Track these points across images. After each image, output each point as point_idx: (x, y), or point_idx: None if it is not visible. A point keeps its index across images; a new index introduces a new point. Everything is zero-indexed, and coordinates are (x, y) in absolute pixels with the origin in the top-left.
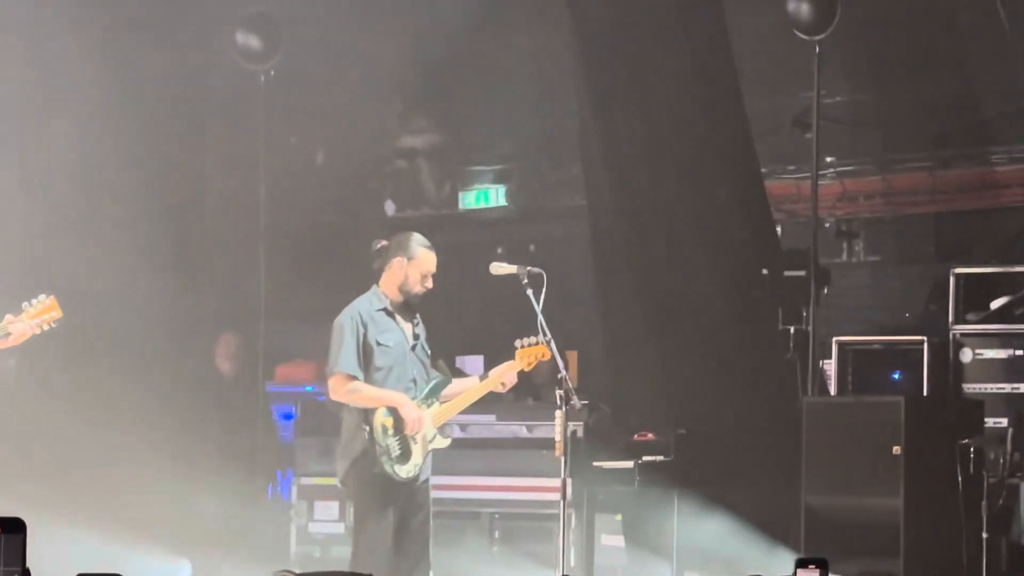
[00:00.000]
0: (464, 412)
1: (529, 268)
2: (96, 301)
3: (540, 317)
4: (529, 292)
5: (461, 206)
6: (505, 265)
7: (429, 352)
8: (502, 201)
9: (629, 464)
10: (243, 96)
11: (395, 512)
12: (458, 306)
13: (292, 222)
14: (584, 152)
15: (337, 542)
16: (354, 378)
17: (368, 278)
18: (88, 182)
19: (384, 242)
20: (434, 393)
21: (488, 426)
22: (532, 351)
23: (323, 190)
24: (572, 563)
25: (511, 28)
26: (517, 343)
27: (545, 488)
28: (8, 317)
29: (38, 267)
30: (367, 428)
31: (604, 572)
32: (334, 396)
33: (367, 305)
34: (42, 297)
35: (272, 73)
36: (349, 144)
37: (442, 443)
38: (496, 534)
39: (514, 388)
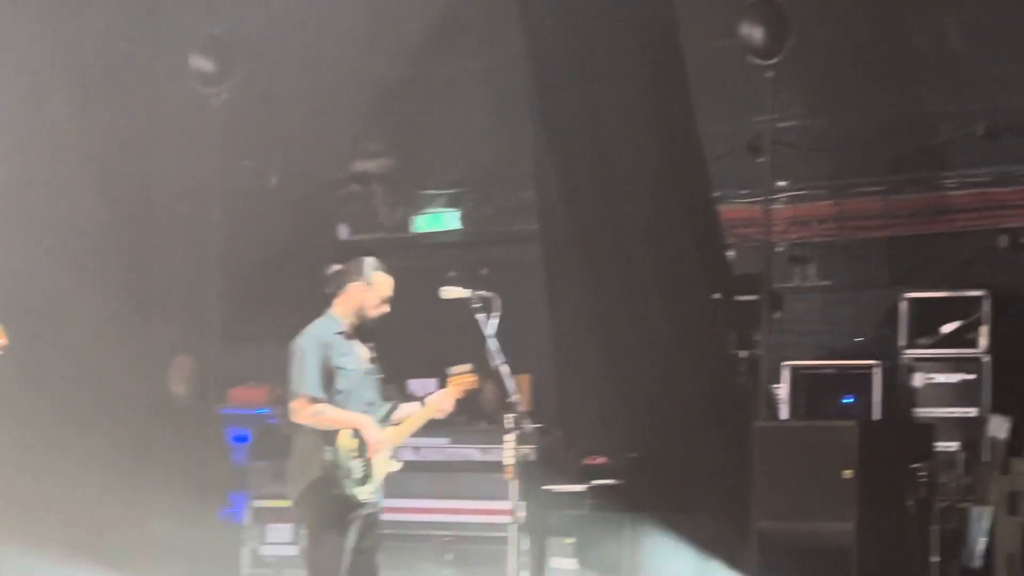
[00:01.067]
0: (417, 435)
1: (480, 292)
2: (45, 324)
3: (489, 341)
4: (478, 316)
5: (414, 230)
6: (456, 289)
7: (381, 376)
8: (455, 225)
9: (580, 487)
10: (196, 119)
11: (349, 534)
12: (410, 329)
13: (246, 245)
14: (538, 177)
15: (289, 564)
16: (317, 400)
17: (323, 302)
18: (36, 203)
19: (339, 267)
20: (388, 416)
21: (441, 449)
22: (461, 379)
23: (277, 213)
24: None
25: (464, 52)
26: (448, 371)
27: (497, 511)
28: None
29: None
30: (328, 450)
31: None
32: (297, 419)
33: (325, 329)
34: None
35: (225, 96)
36: (303, 168)
37: (395, 466)
38: (448, 556)
39: (467, 411)
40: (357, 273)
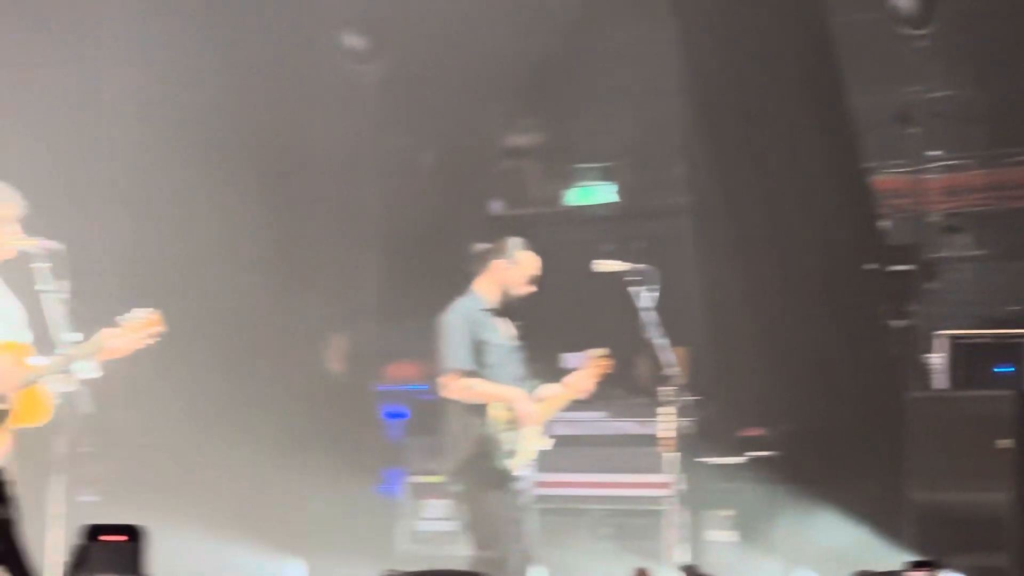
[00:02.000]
0: (574, 409)
1: (635, 265)
2: (203, 307)
3: (645, 314)
4: (633, 289)
5: (566, 203)
6: (610, 262)
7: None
8: (608, 198)
9: (738, 460)
10: (350, 97)
11: (505, 507)
12: (564, 303)
13: (401, 222)
14: (689, 151)
15: (446, 540)
16: (469, 374)
17: (468, 275)
18: (195, 186)
19: (485, 245)
20: (535, 392)
21: (598, 423)
22: (598, 362)
23: (431, 190)
24: (682, 559)
25: (616, 25)
26: (589, 353)
27: (654, 484)
28: (105, 331)
29: (143, 272)
30: (480, 423)
31: (712, 568)
32: (448, 393)
33: (470, 305)
34: (139, 312)
35: (378, 74)
36: (456, 144)
37: (546, 443)
38: (605, 530)
39: (623, 385)
40: (502, 252)
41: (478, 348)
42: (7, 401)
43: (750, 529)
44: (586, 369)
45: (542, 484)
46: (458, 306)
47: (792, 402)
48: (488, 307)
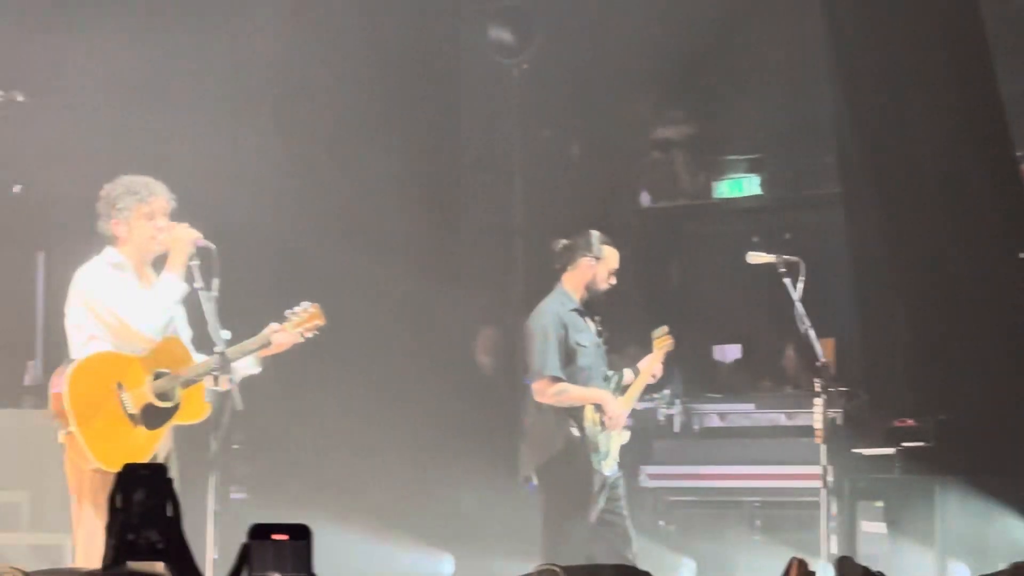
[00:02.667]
0: (723, 402)
1: (786, 257)
2: (354, 301)
3: (798, 305)
4: (786, 280)
5: (715, 196)
6: (762, 254)
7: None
8: (756, 190)
9: (889, 451)
10: (497, 90)
11: (595, 507)
12: (714, 295)
13: (548, 215)
14: (838, 140)
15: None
16: (559, 380)
17: (624, 270)
18: (344, 179)
19: (565, 241)
20: (619, 386)
21: (747, 414)
22: (662, 341)
23: (578, 182)
24: (834, 550)
25: (764, 15)
26: (653, 334)
27: (805, 476)
28: (272, 326)
29: (297, 267)
30: (573, 425)
31: (866, 559)
32: (541, 399)
33: (559, 306)
34: (305, 304)
35: (525, 67)
36: (603, 136)
37: (626, 437)
38: (757, 522)
39: (773, 376)
40: (586, 247)
41: (571, 352)
42: (174, 398)
43: (903, 520)
44: (654, 351)
45: (693, 476)
46: (547, 308)
47: (945, 392)
48: (577, 307)
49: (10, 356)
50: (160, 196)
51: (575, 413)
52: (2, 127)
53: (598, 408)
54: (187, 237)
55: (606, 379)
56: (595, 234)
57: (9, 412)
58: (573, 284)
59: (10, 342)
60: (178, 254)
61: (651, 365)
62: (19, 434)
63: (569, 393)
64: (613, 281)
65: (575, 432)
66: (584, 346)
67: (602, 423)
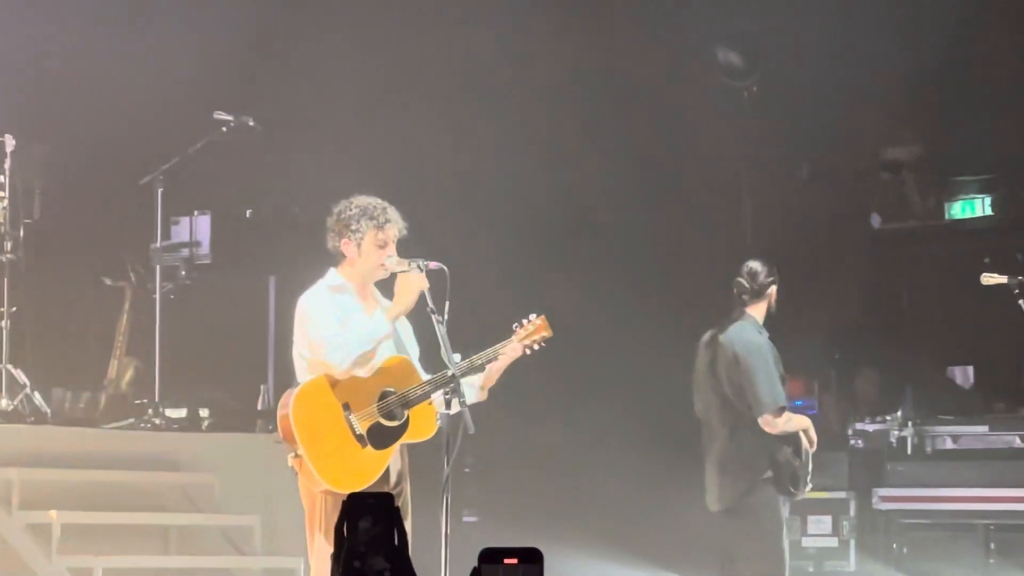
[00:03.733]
0: (956, 423)
1: (1020, 277)
2: (578, 318)
3: None
4: (1021, 302)
5: (947, 217)
6: (996, 275)
7: None
8: (988, 211)
9: None
10: (726, 113)
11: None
12: (947, 316)
13: (778, 238)
14: None
15: (830, 555)
16: (785, 409)
17: (856, 292)
18: (573, 201)
19: (758, 267)
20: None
21: (981, 437)
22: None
23: (807, 205)
24: None
25: (995, 34)
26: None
27: None
28: (503, 343)
29: (523, 287)
30: (784, 449)
31: None
32: (773, 430)
33: (760, 335)
34: (532, 317)
35: (755, 89)
36: (832, 158)
37: None
38: (992, 545)
39: (1007, 398)
40: (774, 275)
41: (783, 377)
42: (402, 417)
43: None
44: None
45: (926, 499)
46: (759, 340)
47: None
48: (768, 334)
49: (244, 381)
50: (395, 224)
51: (789, 439)
52: (233, 151)
53: (805, 432)
54: (418, 287)
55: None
56: (770, 261)
57: (243, 436)
58: (759, 311)
59: (244, 367)
60: (403, 301)
61: None
62: (252, 458)
63: (793, 421)
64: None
65: (781, 456)
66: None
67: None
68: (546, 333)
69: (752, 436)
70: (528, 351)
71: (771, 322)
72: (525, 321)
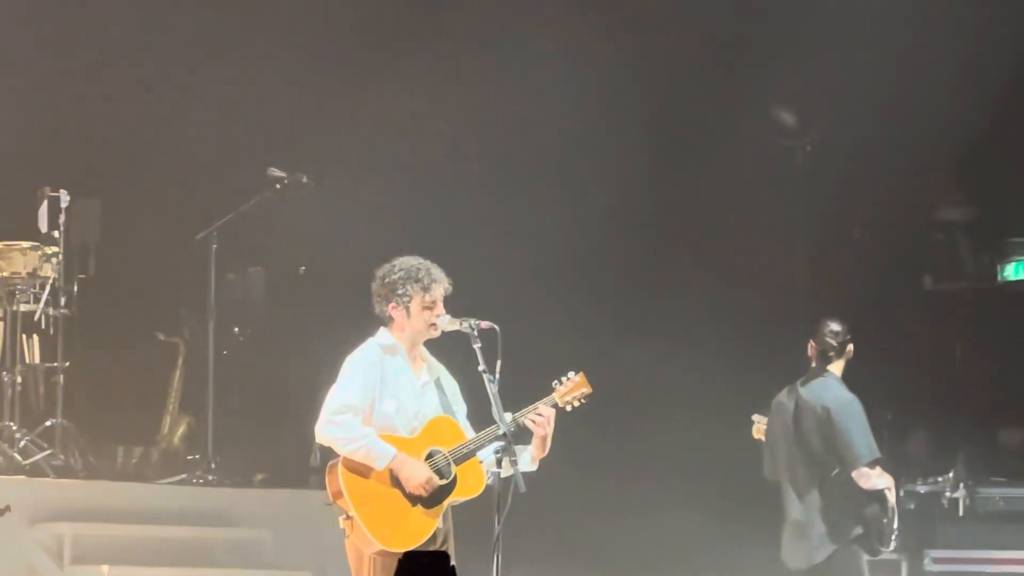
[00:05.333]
0: (1008, 485)
1: None
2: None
3: None
4: None
5: (999, 278)
6: None
7: None
8: None
9: None
10: (780, 172)
11: None
12: (999, 377)
13: (831, 295)
14: None
15: None
16: (879, 461)
17: (908, 352)
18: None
19: (839, 328)
20: None
21: None
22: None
23: (860, 264)
24: None
25: None
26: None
27: None
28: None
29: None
30: (877, 505)
31: None
32: (868, 484)
33: (847, 389)
34: (571, 374)
35: (808, 149)
36: (885, 217)
37: None
38: None
39: None
40: (848, 333)
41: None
42: (450, 474)
43: None
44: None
45: (978, 560)
46: (850, 395)
47: None
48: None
49: (297, 438)
50: (440, 284)
51: (876, 496)
52: (288, 208)
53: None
54: (420, 479)
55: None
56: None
57: (294, 493)
58: (839, 368)
59: (298, 423)
60: (404, 481)
61: None
62: (305, 515)
63: (884, 476)
64: None
65: (869, 514)
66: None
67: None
68: (586, 389)
69: (842, 493)
70: (569, 407)
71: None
72: (564, 379)
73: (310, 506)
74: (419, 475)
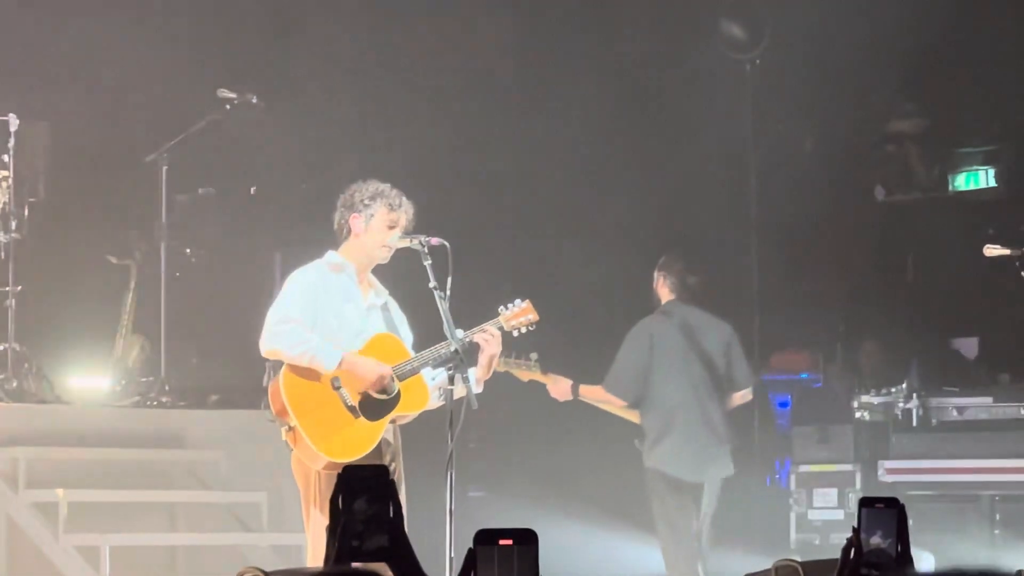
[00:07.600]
0: (960, 395)
1: (1022, 249)
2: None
3: None
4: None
5: (951, 189)
6: (999, 247)
7: None
8: (992, 183)
9: None
10: (729, 86)
11: None
12: (951, 288)
13: (783, 210)
14: None
15: (836, 528)
16: None
17: (861, 264)
18: (576, 176)
19: None
20: None
21: (985, 408)
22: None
23: (812, 177)
24: None
25: (998, 4)
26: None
27: None
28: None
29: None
30: None
31: None
32: None
33: None
34: (517, 301)
35: (757, 62)
36: (837, 130)
37: None
38: (997, 517)
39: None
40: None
41: None
42: (392, 390)
43: None
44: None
45: (931, 471)
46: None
47: None
48: None
49: (250, 359)
50: (406, 212)
51: None
52: (237, 129)
53: None
54: (373, 376)
55: None
56: None
57: (248, 413)
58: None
59: (250, 344)
60: (358, 381)
61: None
62: (259, 435)
63: None
64: None
65: None
66: None
67: None
68: (532, 316)
69: None
70: (516, 332)
71: (777, 293)
72: (511, 304)
73: (264, 427)
74: (374, 370)
